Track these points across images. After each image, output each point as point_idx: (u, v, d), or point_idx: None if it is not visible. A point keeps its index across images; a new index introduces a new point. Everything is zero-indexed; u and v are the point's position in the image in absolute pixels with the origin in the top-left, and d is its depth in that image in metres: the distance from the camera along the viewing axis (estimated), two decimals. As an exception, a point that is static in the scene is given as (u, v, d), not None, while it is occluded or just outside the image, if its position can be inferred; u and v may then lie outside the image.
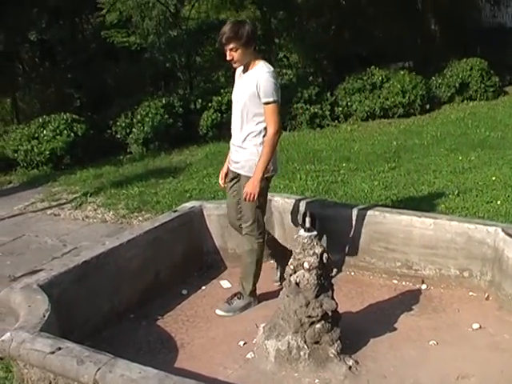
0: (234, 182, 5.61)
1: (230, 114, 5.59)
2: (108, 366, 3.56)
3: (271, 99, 5.12)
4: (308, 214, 4.50)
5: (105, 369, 3.55)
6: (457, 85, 15.98)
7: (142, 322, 5.43)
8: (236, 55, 5.21)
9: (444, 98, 16.06)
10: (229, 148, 5.62)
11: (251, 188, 5.19)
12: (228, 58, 5.25)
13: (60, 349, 3.75)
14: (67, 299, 4.88)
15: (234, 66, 5.39)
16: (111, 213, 8.58)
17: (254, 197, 5.20)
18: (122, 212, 8.50)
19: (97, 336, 5.04)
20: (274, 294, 5.39)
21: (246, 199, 5.25)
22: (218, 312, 5.54)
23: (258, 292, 5.63)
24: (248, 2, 18.74)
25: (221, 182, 5.82)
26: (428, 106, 15.36)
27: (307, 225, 4.46)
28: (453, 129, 12.89)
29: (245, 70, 5.35)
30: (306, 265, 4.45)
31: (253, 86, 5.15)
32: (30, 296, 4.52)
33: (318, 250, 4.47)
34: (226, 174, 5.72)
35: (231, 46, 5.16)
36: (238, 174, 5.48)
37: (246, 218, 5.44)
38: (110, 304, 5.38)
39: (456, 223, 5.69)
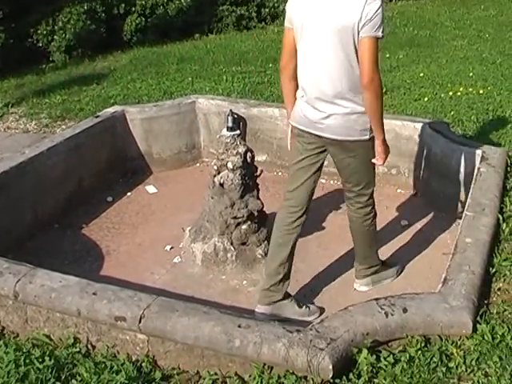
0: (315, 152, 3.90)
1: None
2: (28, 277, 3.48)
3: (381, 34, 3.51)
4: (230, 113, 4.39)
5: (25, 280, 3.47)
6: (384, -18, 15.77)
7: (66, 232, 5.32)
8: None
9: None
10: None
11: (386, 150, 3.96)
12: None
13: (-23, 261, 3.64)
14: (-14, 211, 4.73)
15: None
16: (34, 123, 8.29)
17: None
18: (45, 121, 8.22)
19: (20, 248, 4.91)
20: (199, 197, 5.18)
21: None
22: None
23: (186, 197, 5.52)
24: None
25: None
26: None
27: (230, 124, 4.35)
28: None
29: None
30: (229, 165, 4.38)
31: (353, 15, 3.45)
32: None
33: (242, 150, 4.39)
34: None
35: None
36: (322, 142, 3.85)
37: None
38: (32, 214, 5.24)
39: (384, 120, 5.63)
